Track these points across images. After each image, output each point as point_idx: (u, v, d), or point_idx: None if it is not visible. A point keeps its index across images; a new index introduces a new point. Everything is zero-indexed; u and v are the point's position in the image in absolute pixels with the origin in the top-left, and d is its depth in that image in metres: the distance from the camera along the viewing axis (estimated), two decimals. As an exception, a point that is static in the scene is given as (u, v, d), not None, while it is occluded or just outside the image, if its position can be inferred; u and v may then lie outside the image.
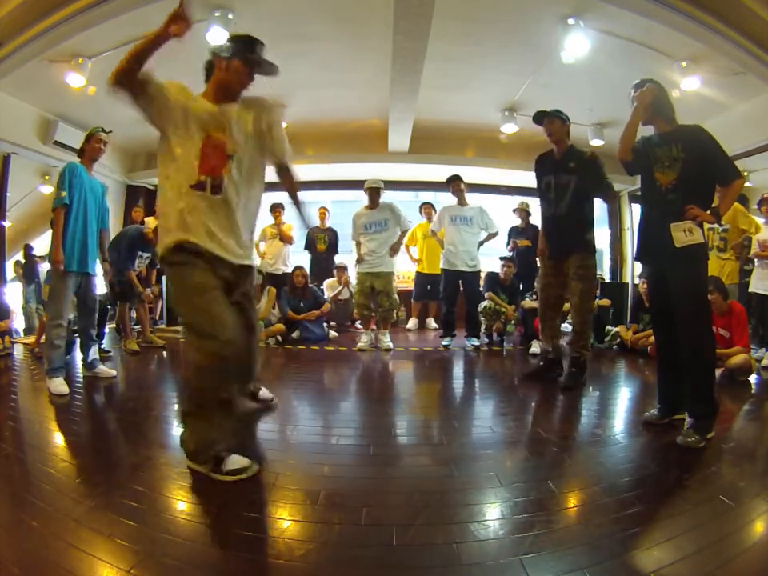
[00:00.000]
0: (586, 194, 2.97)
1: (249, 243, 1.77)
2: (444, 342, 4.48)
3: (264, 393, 2.16)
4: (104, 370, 3.15)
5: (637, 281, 5.70)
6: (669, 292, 2.10)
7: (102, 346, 3.87)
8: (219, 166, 1.63)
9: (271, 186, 1.94)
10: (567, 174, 2.99)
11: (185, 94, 1.66)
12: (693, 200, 2.05)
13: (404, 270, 6.31)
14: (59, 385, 2.69)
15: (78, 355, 3.64)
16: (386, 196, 4.45)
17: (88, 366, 3.12)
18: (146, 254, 4.17)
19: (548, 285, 3.10)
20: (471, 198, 4.74)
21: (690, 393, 2.08)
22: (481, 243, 4.61)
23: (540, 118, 3.04)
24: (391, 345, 4.34)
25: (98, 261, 3.08)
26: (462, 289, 4.56)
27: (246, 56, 1.67)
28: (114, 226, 6.17)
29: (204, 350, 1.57)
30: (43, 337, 3.71)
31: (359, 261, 4.35)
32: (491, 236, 4.66)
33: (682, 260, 2.05)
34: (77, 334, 3.28)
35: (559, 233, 3.03)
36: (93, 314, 3.14)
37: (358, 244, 4.37)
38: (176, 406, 1.85)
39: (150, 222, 5.31)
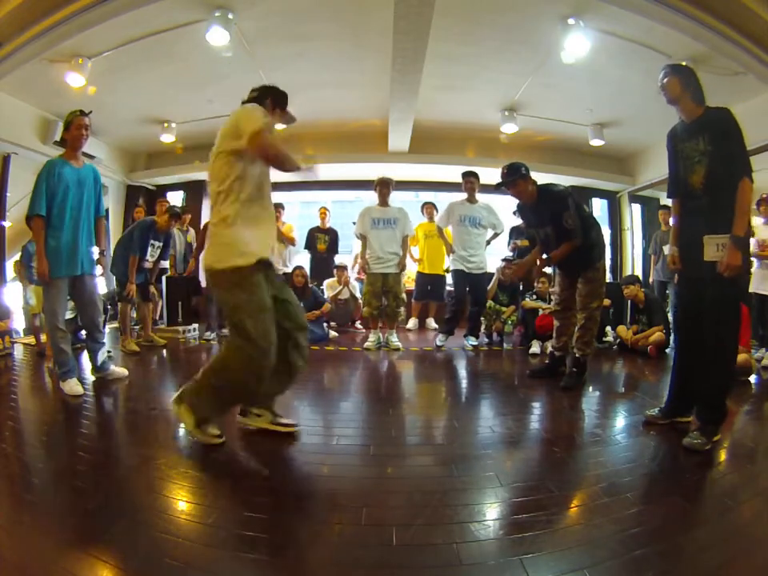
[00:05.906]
0: (570, 233, 2.89)
1: None
2: (439, 341, 4.39)
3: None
4: (116, 370, 3.08)
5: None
6: (698, 297, 2.02)
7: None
8: None
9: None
10: (543, 226, 3.02)
11: None
12: (724, 204, 1.88)
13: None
14: (74, 386, 2.68)
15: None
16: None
17: (99, 368, 3.01)
18: (157, 243, 4.17)
19: (561, 290, 3.21)
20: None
21: (702, 397, 2.05)
22: (487, 243, 4.58)
23: (501, 186, 3.03)
24: (400, 345, 4.35)
25: (95, 257, 2.90)
26: (468, 289, 4.52)
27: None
28: (115, 226, 6.22)
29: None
30: (43, 336, 3.71)
31: (361, 267, 4.33)
32: (496, 235, 4.64)
33: (715, 275, 1.92)
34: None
35: (565, 267, 3.09)
36: (94, 316, 2.98)
37: (363, 240, 4.36)
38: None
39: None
